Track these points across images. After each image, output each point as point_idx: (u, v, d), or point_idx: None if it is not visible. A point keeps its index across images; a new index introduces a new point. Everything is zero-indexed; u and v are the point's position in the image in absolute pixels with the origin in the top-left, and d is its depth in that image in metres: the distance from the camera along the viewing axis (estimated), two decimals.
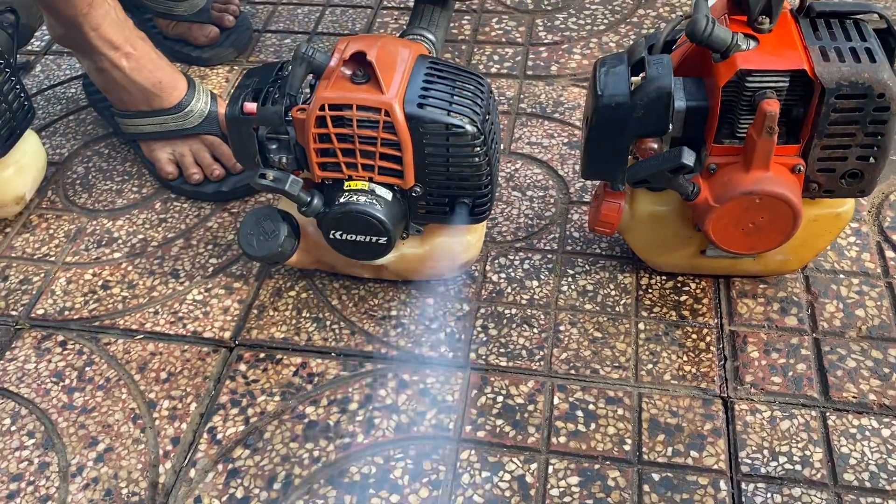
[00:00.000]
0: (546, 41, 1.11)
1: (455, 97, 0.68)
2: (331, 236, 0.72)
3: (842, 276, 0.80)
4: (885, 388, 0.71)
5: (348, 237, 0.72)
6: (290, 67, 0.69)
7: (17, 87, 0.87)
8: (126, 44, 0.87)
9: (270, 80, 0.71)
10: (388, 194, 0.70)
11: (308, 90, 0.71)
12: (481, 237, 0.79)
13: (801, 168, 0.68)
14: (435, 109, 0.67)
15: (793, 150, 0.68)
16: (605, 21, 1.14)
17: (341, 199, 0.70)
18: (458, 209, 0.72)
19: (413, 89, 0.67)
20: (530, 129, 0.98)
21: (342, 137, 0.68)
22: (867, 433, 0.68)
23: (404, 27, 1.15)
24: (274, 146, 0.70)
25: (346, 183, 0.70)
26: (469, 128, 0.67)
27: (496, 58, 1.09)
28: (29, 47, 1.17)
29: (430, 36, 0.83)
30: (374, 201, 0.69)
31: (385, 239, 0.71)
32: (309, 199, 0.70)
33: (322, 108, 0.66)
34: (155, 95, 0.90)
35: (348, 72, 0.68)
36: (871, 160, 0.67)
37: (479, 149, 0.68)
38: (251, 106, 0.68)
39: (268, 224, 0.73)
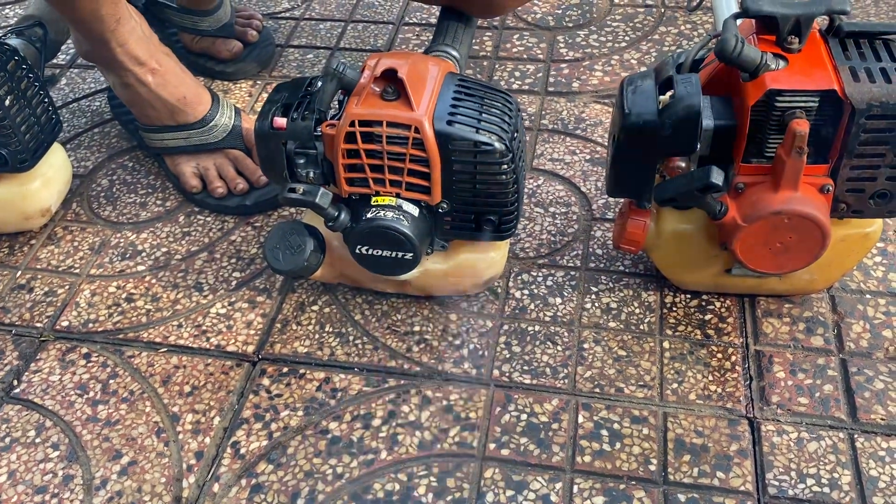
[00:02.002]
0: (567, 58, 1.12)
1: (484, 115, 0.68)
2: (357, 251, 0.72)
3: (868, 296, 0.80)
4: None
5: (374, 252, 0.72)
6: (321, 83, 0.69)
7: (46, 100, 0.88)
8: (151, 59, 0.88)
9: (300, 95, 0.71)
10: (414, 210, 0.71)
11: (337, 106, 0.71)
12: (505, 254, 0.79)
13: (830, 188, 0.68)
14: (464, 127, 0.67)
15: (821, 171, 0.67)
16: (627, 38, 1.14)
17: (368, 215, 0.70)
18: (484, 226, 0.72)
19: (442, 107, 0.68)
20: (552, 145, 0.99)
21: (371, 153, 0.68)
22: None
23: (426, 43, 1.16)
24: (302, 161, 0.71)
25: (374, 198, 0.70)
26: (497, 145, 0.67)
27: (517, 74, 1.10)
28: (55, 60, 1.18)
29: (455, 52, 0.83)
30: (401, 217, 0.70)
31: (411, 255, 0.71)
32: (336, 213, 0.70)
33: (352, 124, 0.67)
34: (179, 110, 0.91)
35: (378, 89, 0.68)
36: None
37: (506, 166, 0.68)
38: (281, 121, 0.69)
39: (294, 238, 0.73)
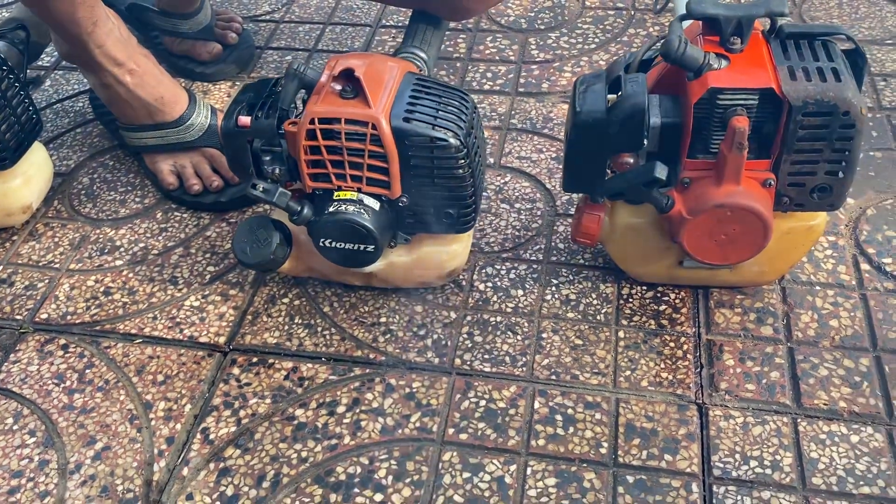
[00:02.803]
0: (538, 59, 1.15)
1: (440, 112, 0.71)
2: (321, 244, 0.75)
3: (818, 287, 0.83)
4: (855, 395, 0.73)
5: (337, 245, 0.75)
6: (283, 83, 0.72)
7: (27, 100, 0.91)
8: (129, 60, 0.91)
9: (265, 95, 0.74)
10: (375, 204, 0.74)
11: (300, 105, 0.74)
12: (468, 246, 0.82)
13: (772, 182, 0.71)
14: (420, 123, 0.70)
15: (764, 165, 0.70)
16: (597, 40, 1.17)
17: (331, 209, 0.73)
18: (443, 219, 0.75)
19: (400, 104, 0.71)
20: (520, 143, 1.02)
21: (331, 150, 0.71)
22: (836, 439, 0.71)
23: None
24: (268, 158, 0.74)
25: (336, 193, 0.73)
26: (453, 141, 0.70)
27: (489, 75, 1.13)
28: (39, 63, 1.21)
29: (422, 54, 0.86)
30: (362, 211, 0.73)
31: (373, 247, 0.74)
32: (300, 208, 0.73)
33: (312, 122, 0.70)
34: (157, 110, 0.93)
35: (338, 87, 0.71)
36: (840, 175, 0.70)
37: (462, 161, 0.71)
38: (245, 119, 0.72)
39: (261, 232, 0.76)
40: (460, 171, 0.71)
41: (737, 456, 0.70)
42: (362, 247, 0.74)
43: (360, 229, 0.72)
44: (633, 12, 1.22)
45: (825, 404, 0.73)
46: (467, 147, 0.71)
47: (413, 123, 0.69)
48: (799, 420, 0.72)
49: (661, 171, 0.68)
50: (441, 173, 0.72)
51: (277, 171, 0.74)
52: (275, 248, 0.75)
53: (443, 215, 0.75)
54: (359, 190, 0.73)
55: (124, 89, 0.92)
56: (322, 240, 0.74)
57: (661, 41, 0.70)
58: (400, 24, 1.24)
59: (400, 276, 0.82)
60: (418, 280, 0.83)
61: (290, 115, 0.72)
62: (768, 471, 0.69)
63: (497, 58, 1.15)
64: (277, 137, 0.72)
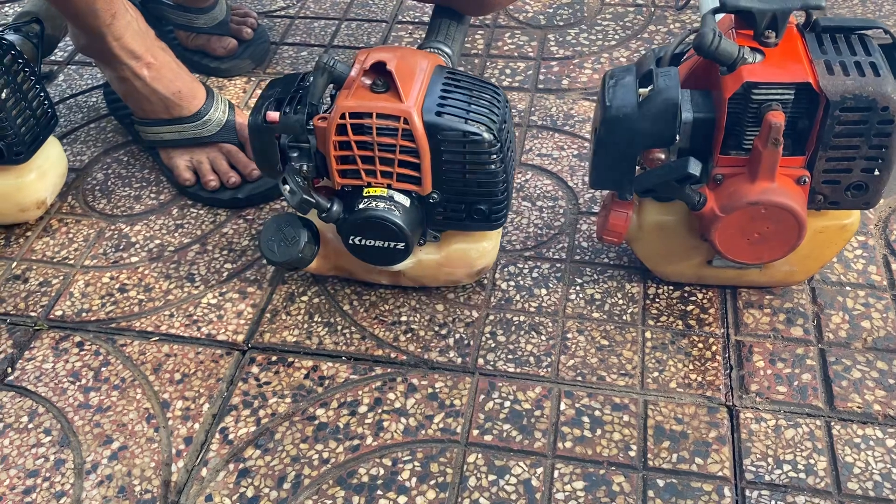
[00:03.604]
0: (558, 56, 1.13)
1: (472, 106, 0.70)
2: (350, 242, 0.74)
3: (848, 287, 0.81)
4: (889, 398, 0.72)
5: (367, 243, 0.73)
6: (312, 78, 0.71)
7: (42, 94, 0.90)
8: (147, 54, 0.90)
9: (292, 90, 0.73)
10: (406, 201, 0.72)
11: (329, 100, 0.72)
12: (497, 244, 0.80)
13: (807, 179, 0.69)
14: (452, 118, 0.68)
15: (798, 162, 0.69)
16: (616, 37, 1.16)
17: (360, 206, 0.71)
18: (474, 215, 0.73)
19: (431, 98, 0.69)
20: (541, 140, 1.00)
21: (362, 145, 0.70)
22: (871, 443, 0.69)
23: (419, 41, 1.17)
24: (295, 154, 0.72)
25: (366, 189, 0.72)
26: (486, 135, 0.68)
27: (508, 71, 1.11)
28: (53, 57, 1.20)
29: (447, 49, 0.85)
30: (393, 207, 0.71)
31: (403, 244, 0.73)
32: (329, 205, 0.72)
33: (343, 117, 0.68)
34: (175, 104, 0.92)
35: (368, 81, 0.69)
36: (876, 172, 0.68)
37: (495, 156, 0.69)
38: (274, 115, 0.70)
39: (288, 230, 0.74)
40: (493, 165, 0.70)
41: (769, 459, 0.68)
42: (393, 244, 0.72)
43: (391, 227, 0.71)
44: (653, 9, 1.20)
45: (859, 407, 0.71)
46: (500, 141, 0.69)
47: (445, 117, 0.68)
48: (832, 423, 0.70)
49: (695, 167, 0.66)
50: (473, 168, 0.70)
51: (305, 167, 0.72)
52: (303, 247, 0.73)
53: (474, 211, 0.73)
54: (389, 186, 0.72)
55: (141, 83, 0.90)
56: (352, 237, 0.73)
57: (694, 34, 0.68)
58: (416, 20, 1.22)
59: (429, 274, 0.80)
60: (447, 278, 0.81)
61: (319, 110, 0.71)
62: (802, 475, 0.67)
63: (516, 54, 1.14)
64: (306, 133, 0.71)
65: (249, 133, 0.73)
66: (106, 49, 0.88)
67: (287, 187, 0.71)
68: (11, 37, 0.94)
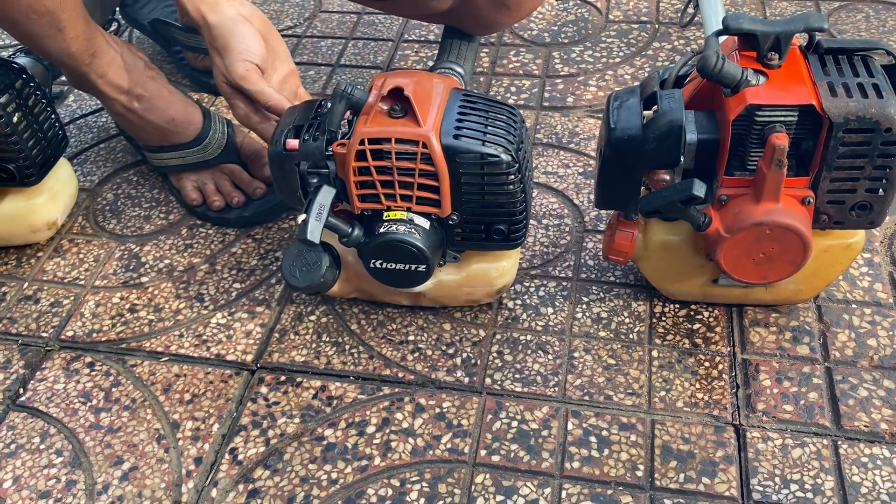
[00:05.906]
0: (562, 73, 1.14)
1: (489, 127, 0.71)
2: (371, 265, 0.74)
3: (854, 305, 0.81)
4: None
5: (388, 266, 0.74)
6: (330, 104, 0.71)
7: (52, 116, 0.91)
8: (136, 86, 0.89)
9: (310, 117, 0.74)
10: (425, 223, 0.73)
11: (347, 126, 0.73)
12: (516, 263, 0.81)
13: (811, 200, 0.69)
14: (470, 140, 0.69)
15: (803, 183, 0.69)
16: (621, 54, 1.16)
17: (381, 230, 0.72)
18: (493, 235, 0.74)
19: (448, 121, 0.70)
20: (546, 158, 1.01)
21: (381, 170, 0.70)
22: (879, 462, 0.69)
23: (424, 60, 1.18)
24: (315, 180, 0.73)
25: (386, 213, 0.73)
26: (503, 156, 0.69)
27: (513, 89, 1.12)
28: (62, 78, 1.21)
29: (459, 69, 0.86)
30: (413, 230, 0.72)
31: (424, 267, 0.73)
32: (350, 229, 0.73)
33: (362, 143, 0.69)
34: (171, 132, 0.92)
35: (386, 107, 0.70)
36: (880, 192, 0.68)
37: (513, 176, 0.70)
38: (293, 143, 0.71)
39: (310, 255, 0.74)
40: (511, 186, 0.71)
41: (776, 479, 0.68)
42: (414, 267, 0.73)
43: (412, 249, 0.71)
44: (657, 26, 1.21)
45: (866, 426, 0.72)
46: (518, 161, 0.70)
47: (463, 140, 0.69)
48: (839, 442, 0.71)
49: (699, 189, 0.67)
50: (492, 189, 0.71)
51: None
52: (325, 271, 0.74)
53: (493, 231, 0.74)
54: (409, 209, 0.72)
55: (135, 115, 0.91)
56: (373, 261, 0.74)
57: (697, 56, 0.69)
58: (422, 39, 1.23)
59: (449, 294, 0.81)
60: (467, 298, 0.81)
61: (337, 136, 0.72)
62: (809, 494, 0.67)
63: (521, 72, 1.15)
64: (325, 159, 0.71)
65: (270, 162, 0.74)
66: (91, 87, 0.88)
67: (300, 218, 0.71)
68: (22, 60, 0.95)
